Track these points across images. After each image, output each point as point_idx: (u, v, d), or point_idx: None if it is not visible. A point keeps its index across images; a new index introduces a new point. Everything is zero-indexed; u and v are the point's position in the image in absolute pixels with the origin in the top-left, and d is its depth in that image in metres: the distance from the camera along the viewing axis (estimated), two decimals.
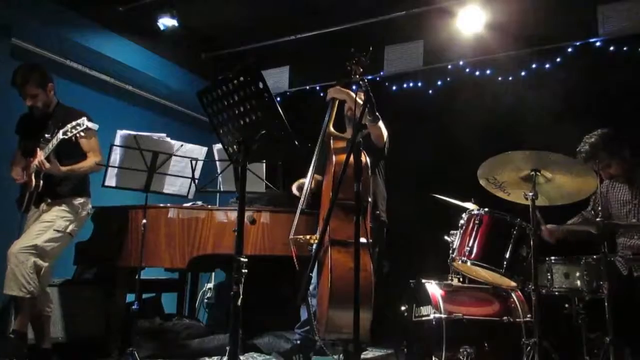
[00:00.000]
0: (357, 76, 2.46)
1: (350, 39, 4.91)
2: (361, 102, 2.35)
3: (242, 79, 2.02)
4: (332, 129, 3.19)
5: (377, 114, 2.83)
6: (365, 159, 2.82)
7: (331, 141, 3.01)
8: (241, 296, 1.96)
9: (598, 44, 4.20)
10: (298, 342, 3.17)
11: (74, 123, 2.87)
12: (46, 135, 3.03)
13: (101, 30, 4.65)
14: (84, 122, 2.86)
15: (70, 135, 2.87)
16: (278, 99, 5.38)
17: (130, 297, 3.51)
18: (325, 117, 3.15)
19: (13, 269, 2.90)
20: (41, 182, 3.02)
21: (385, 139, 3.18)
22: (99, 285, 3.73)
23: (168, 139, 3.09)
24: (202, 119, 5.56)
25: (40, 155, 2.97)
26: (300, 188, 3.32)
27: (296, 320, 3.20)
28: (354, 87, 3.83)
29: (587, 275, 2.75)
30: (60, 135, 2.88)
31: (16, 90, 3.16)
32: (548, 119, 3.99)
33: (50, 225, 3.04)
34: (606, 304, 2.50)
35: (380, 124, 3.07)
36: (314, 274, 2.89)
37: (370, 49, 2.46)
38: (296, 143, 2.07)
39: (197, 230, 3.60)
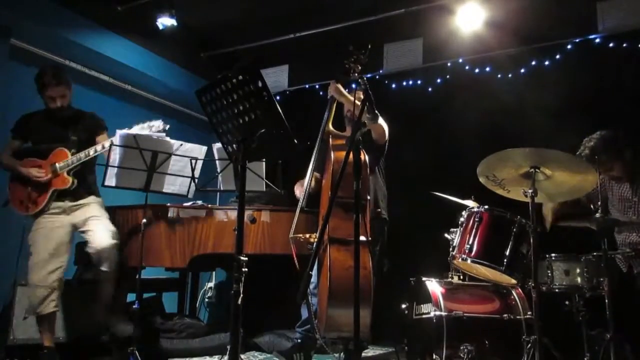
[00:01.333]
0: (356, 74, 2.45)
1: (349, 37, 4.90)
2: (359, 103, 2.36)
3: (241, 77, 2.03)
4: (331, 127, 3.19)
5: (376, 112, 2.84)
6: (364, 157, 2.82)
7: (330, 139, 3.01)
8: (242, 295, 1.97)
9: (597, 40, 4.20)
10: (299, 340, 3.17)
11: (106, 145, 3.11)
12: (72, 138, 3.18)
13: (100, 30, 4.64)
14: (111, 142, 3.09)
15: (101, 153, 3.19)
16: (277, 97, 5.38)
17: (130, 297, 3.52)
18: (325, 115, 3.15)
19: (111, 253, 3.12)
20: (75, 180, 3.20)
21: (386, 137, 3.19)
22: (102, 286, 3.72)
23: (167, 139, 3.09)
24: (202, 118, 5.56)
25: (73, 158, 3.14)
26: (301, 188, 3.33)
27: (297, 319, 3.21)
28: (353, 86, 3.83)
29: (587, 272, 2.75)
30: (92, 153, 3.17)
31: (37, 90, 3.24)
32: (548, 116, 3.98)
33: (105, 216, 3.30)
34: (606, 300, 2.50)
35: (381, 120, 3.08)
36: (314, 273, 2.89)
37: (369, 46, 2.46)
38: (295, 141, 2.07)
39: (198, 229, 3.60)
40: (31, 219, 3.23)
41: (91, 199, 3.33)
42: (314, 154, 3.14)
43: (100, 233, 3.16)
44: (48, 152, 3.22)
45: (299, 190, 3.40)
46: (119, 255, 3.22)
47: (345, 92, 3.09)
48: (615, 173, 3.02)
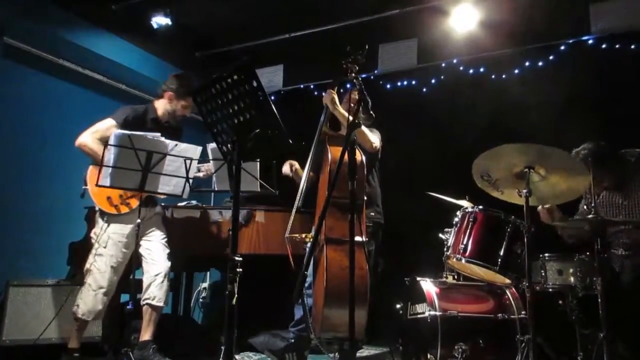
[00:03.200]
0: (353, 74, 2.46)
1: (344, 37, 4.91)
2: (353, 105, 2.37)
3: (235, 77, 2.02)
4: (327, 127, 3.19)
5: (371, 112, 2.84)
6: (360, 157, 2.83)
7: (327, 140, 3.02)
8: (236, 295, 1.96)
9: (591, 41, 4.23)
10: (293, 340, 3.17)
11: None
12: None
13: (94, 28, 4.62)
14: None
15: None
16: (272, 97, 5.37)
17: (124, 297, 3.50)
18: (321, 118, 3.15)
19: (166, 283, 3.19)
20: None
21: (376, 146, 3.18)
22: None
23: (162, 139, 3.07)
24: (196, 117, 5.54)
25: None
26: (290, 167, 3.38)
27: (291, 319, 3.20)
28: (348, 86, 3.83)
29: (581, 272, 2.77)
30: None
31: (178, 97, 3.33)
32: (541, 117, 4.01)
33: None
34: (599, 300, 2.52)
35: (368, 132, 3.08)
36: (309, 273, 2.89)
37: (366, 47, 2.46)
38: (290, 142, 2.07)
39: (192, 229, 3.59)
40: (104, 217, 3.11)
41: (160, 209, 3.36)
42: (311, 154, 3.14)
43: (159, 254, 3.20)
44: None
45: (286, 168, 3.41)
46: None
47: (338, 104, 3.08)
48: (605, 184, 3.06)
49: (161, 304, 3.14)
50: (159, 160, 3.05)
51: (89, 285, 3.04)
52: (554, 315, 2.84)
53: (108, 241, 3.07)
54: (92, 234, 3.14)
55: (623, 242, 3.00)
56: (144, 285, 3.15)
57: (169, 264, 3.24)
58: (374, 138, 3.16)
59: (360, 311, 2.49)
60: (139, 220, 2.98)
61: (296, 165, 3.42)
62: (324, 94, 3.12)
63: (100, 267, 3.04)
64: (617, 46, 4.10)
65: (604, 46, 4.16)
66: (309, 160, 3.16)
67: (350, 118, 2.32)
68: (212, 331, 3.92)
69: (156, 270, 3.15)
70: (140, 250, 3.20)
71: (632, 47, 4.03)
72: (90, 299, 3.03)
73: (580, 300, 2.78)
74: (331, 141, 2.99)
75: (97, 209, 3.12)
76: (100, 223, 3.10)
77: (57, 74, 4.50)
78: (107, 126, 3.15)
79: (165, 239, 3.30)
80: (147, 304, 3.11)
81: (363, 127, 3.02)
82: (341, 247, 2.65)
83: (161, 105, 3.34)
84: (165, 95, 3.33)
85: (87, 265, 3.06)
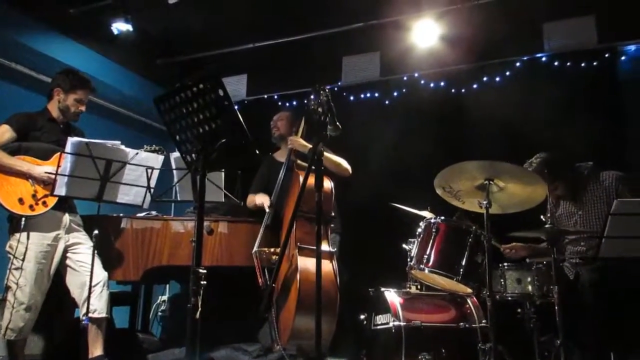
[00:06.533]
0: (319, 109, 2.51)
1: (308, 48, 4.94)
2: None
3: (201, 86, 1.99)
4: (298, 160, 3.26)
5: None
6: (330, 183, 3.00)
7: (295, 166, 3.16)
8: (200, 309, 1.92)
9: (544, 59, 4.43)
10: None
11: None
12: None
13: (50, 32, 4.46)
14: None
15: None
16: (236, 107, 5.32)
17: (78, 312, 3.35)
18: (281, 173, 3.30)
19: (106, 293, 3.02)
20: None
21: (350, 170, 3.34)
22: (46, 298, 3.53)
23: (122, 147, 2.98)
24: (158, 126, 5.43)
25: None
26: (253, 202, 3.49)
27: (254, 332, 3.16)
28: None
29: (538, 280, 2.86)
30: None
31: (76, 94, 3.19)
32: (499, 130, 4.14)
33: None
34: (556, 307, 2.61)
35: (339, 160, 3.22)
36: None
37: (328, 90, 2.53)
38: (256, 152, 2.05)
39: (152, 241, 3.48)
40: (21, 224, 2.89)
41: (80, 219, 3.18)
42: (279, 181, 3.25)
43: (96, 267, 2.97)
44: (48, 154, 3.00)
45: (261, 201, 3.43)
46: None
47: (307, 144, 3.23)
48: (559, 192, 3.18)
49: (103, 315, 2.97)
50: (118, 169, 2.96)
51: (9, 302, 2.86)
52: (513, 323, 2.92)
53: (27, 253, 2.87)
54: (7, 248, 2.92)
55: (578, 250, 3.13)
56: (79, 299, 2.97)
57: (105, 273, 3.08)
58: (346, 164, 3.32)
59: (331, 319, 2.51)
60: (59, 231, 2.90)
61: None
62: (289, 139, 3.34)
63: (20, 282, 2.85)
64: (568, 64, 4.30)
65: (556, 63, 4.36)
66: (277, 184, 3.19)
67: (306, 144, 2.41)
68: (171, 346, 3.80)
69: (93, 281, 2.96)
70: (68, 262, 3.05)
71: (582, 65, 4.25)
72: (11, 317, 2.84)
73: (537, 308, 2.87)
74: (300, 167, 3.07)
75: (8, 216, 2.91)
76: (16, 235, 2.88)
77: (9, 78, 4.31)
78: (1, 131, 3.00)
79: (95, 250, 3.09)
80: (89, 318, 2.93)
81: (331, 155, 3.14)
82: (312, 258, 2.66)
83: (53, 106, 3.19)
84: (54, 93, 3.19)
85: (6, 281, 2.87)
